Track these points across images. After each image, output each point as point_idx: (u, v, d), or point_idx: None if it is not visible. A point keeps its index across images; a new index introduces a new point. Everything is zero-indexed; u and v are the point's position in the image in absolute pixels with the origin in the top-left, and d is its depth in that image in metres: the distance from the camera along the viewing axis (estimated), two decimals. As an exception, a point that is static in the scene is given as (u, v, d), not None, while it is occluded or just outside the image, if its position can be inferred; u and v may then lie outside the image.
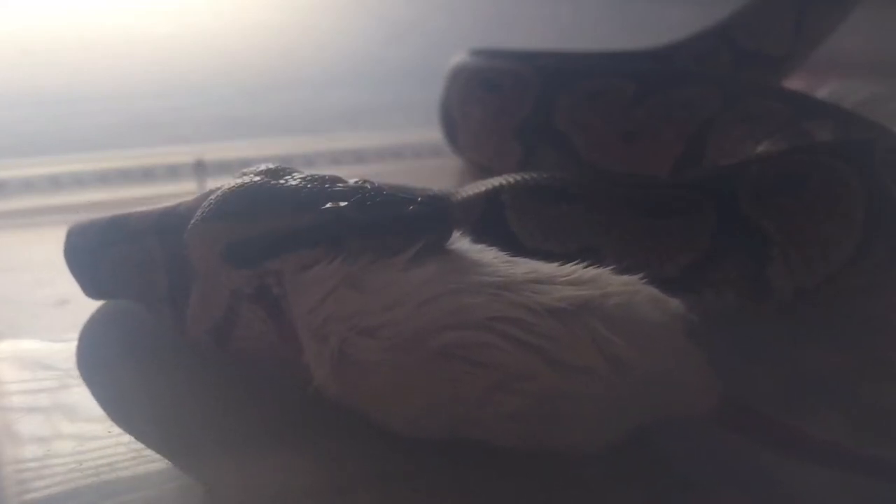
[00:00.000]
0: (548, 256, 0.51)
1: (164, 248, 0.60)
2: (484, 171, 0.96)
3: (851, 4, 1.16)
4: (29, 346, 0.68)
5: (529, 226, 0.63)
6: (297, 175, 0.56)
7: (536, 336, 0.45)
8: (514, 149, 0.99)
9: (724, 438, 0.48)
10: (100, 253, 0.66)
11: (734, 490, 0.48)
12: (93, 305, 0.69)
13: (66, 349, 0.66)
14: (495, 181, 0.67)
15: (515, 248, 0.53)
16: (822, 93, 1.27)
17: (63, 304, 0.72)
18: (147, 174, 1.07)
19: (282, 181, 0.55)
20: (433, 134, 1.12)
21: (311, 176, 0.55)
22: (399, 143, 1.20)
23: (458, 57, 1.09)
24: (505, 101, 1.00)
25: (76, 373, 0.62)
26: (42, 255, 0.84)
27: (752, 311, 0.63)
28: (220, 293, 0.54)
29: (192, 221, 0.55)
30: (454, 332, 0.46)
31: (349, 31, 2.18)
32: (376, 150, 1.18)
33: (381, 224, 0.51)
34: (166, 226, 0.59)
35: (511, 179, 0.66)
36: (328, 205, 0.51)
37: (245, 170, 0.59)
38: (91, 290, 0.69)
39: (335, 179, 0.54)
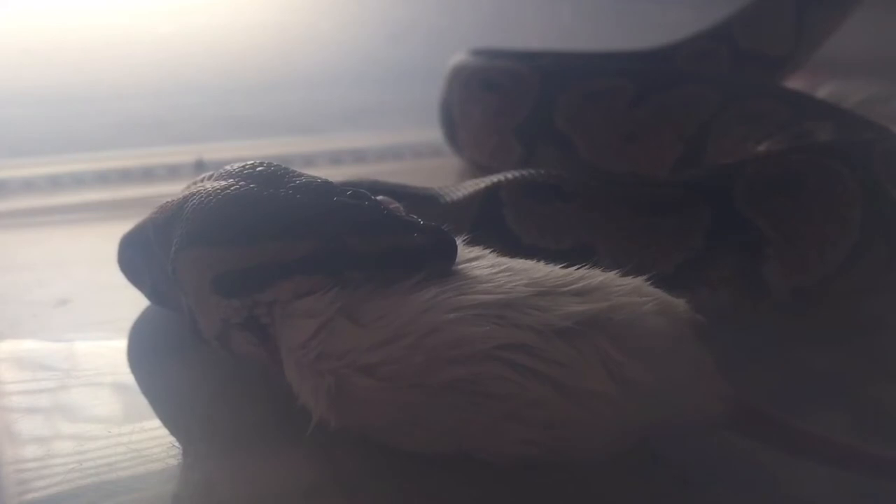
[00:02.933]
0: (544, 253, 0.51)
1: (162, 253, 0.57)
2: (484, 171, 0.96)
3: (852, 5, 1.16)
4: (29, 346, 0.68)
5: (526, 223, 0.63)
6: (288, 181, 0.52)
7: (545, 363, 0.43)
8: (514, 149, 0.99)
9: (723, 437, 0.48)
10: (147, 259, 0.63)
11: (733, 489, 0.48)
12: (94, 305, 0.69)
13: (66, 349, 0.66)
14: (493, 178, 0.67)
15: (512, 244, 0.53)
16: (822, 93, 1.27)
17: (63, 304, 0.72)
18: (147, 174, 1.07)
19: (273, 191, 0.51)
20: (433, 134, 1.12)
21: (306, 184, 0.52)
22: (399, 143, 1.20)
23: (458, 57, 1.09)
24: (505, 100, 1.00)
25: (77, 373, 0.62)
26: (42, 255, 0.85)
27: (748, 309, 0.63)
28: (212, 316, 0.52)
29: (179, 239, 0.52)
30: (459, 367, 0.44)
31: (349, 31, 2.18)
32: (376, 150, 1.18)
33: (383, 256, 0.48)
34: (158, 229, 0.57)
35: (509, 176, 0.66)
36: (326, 231, 0.48)
37: (229, 168, 0.56)
38: (152, 297, 0.67)
39: (331, 191, 0.51)
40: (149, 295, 0.67)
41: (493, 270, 0.48)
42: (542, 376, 0.43)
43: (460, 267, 0.49)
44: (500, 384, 0.44)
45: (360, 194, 0.51)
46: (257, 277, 0.49)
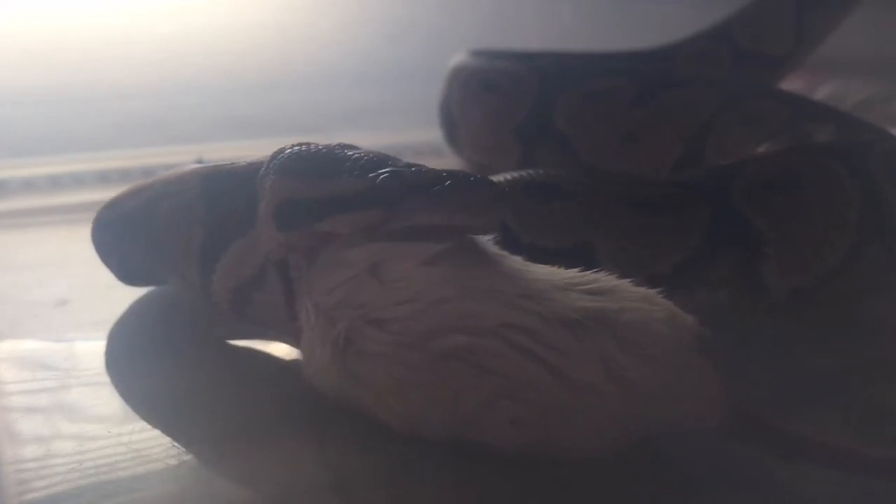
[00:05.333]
0: (543, 252, 0.51)
1: (206, 205, 0.61)
2: (484, 171, 0.96)
3: (852, 5, 1.16)
4: (29, 346, 0.68)
5: (525, 222, 0.63)
6: (361, 150, 0.57)
7: (545, 348, 0.45)
8: (513, 149, 0.99)
9: (726, 439, 0.48)
10: (136, 219, 0.66)
11: (735, 489, 0.48)
12: (94, 305, 0.69)
13: (66, 349, 0.66)
14: (493, 178, 0.67)
15: (512, 243, 0.53)
16: (822, 93, 1.27)
17: (63, 304, 0.72)
18: (147, 174, 1.06)
19: (340, 151, 0.55)
20: (433, 134, 1.12)
21: (374, 152, 0.56)
22: (399, 143, 1.20)
23: (458, 57, 1.10)
24: (504, 101, 1.00)
25: (77, 373, 0.62)
26: (42, 255, 0.85)
27: (748, 309, 0.63)
28: (257, 252, 0.56)
29: (262, 171, 0.56)
30: (463, 337, 0.46)
31: (349, 31, 2.18)
32: (376, 150, 1.18)
33: (433, 185, 0.50)
34: (213, 183, 0.61)
35: (508, 176, 0.66)
36: (387, 170, 0.52)
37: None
38: (123, 272, 0.70)
39: (396, 158, 0.55)
40: (120, 269, 0.69)
41: (512, 264, 0.50)
42: (540, 360, 0.45)
43: (484, 257, 0.51)
44: (498, 360, 0.45)
45: (415, 164, 0.54)
46: (317, 208, 0.53)
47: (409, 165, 0.53)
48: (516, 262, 0.51)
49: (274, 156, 0.56)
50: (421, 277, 0.48)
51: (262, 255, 0.56)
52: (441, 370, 0.46)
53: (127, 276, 0.70)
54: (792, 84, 1.20)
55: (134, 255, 0.68)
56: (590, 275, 0.49)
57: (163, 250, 0.65)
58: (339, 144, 0.57)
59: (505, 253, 0.52)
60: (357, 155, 0.55)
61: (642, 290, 0.49)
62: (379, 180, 0.51)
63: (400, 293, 0.48)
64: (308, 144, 0.57)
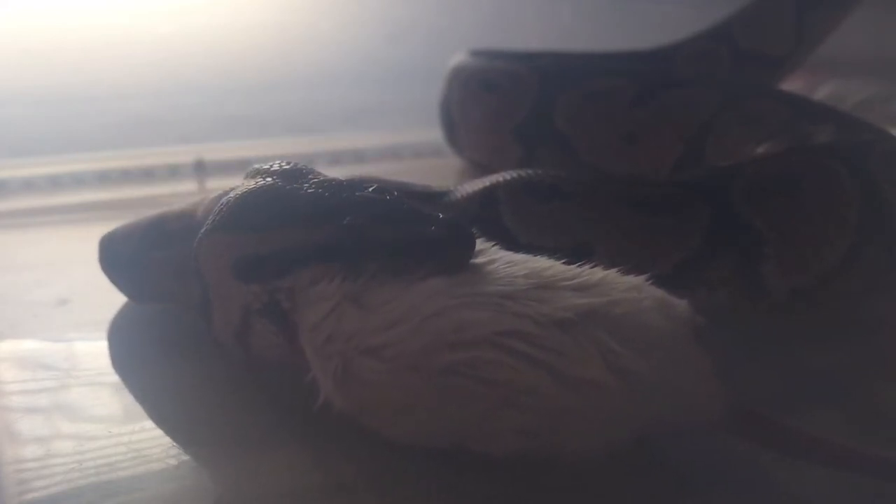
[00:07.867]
0: (542, 252, 0.51)
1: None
2: (484, 171, 0.96)
3: (852, 5, 1.16)
4: (29, 346, 0.68)
5: (524, 222, 0.63)
6: (312, 179, 0.53)
7: (542, 350, 0.44)
8: (513, 149, 0.99)
9: (723, 438, 0.48)
10: (141, 258, 0.64)
11: (732, 490, 0.48)
12: (94, 305, 0.69)
13: (66, 349, 0.66)
14: (492, 178, 0.67)
15: (510, 244, 0.53)
16: (822, 93, 1.27)
17: (63, 304, 0.72)
18: (147, 174, 1.07)
19: (296, 186, 0.52)
20: (433, 134, 1.12)
21: (328, 182, 0.53)
22: (399, 143, 1.20)
23: (458, 57, 1.10)
24: (504, 101, 1.00)
25: (77, 373, 0.62)
26: (42, 255, 0.85)
27: (747, 309, 0.63)
28: (232, 305, 0.53)
29: (202, 231, 0.54)
30: (459, 351, 0.45)
31: (349, 31, 2.18)
32: (376, 150, 1.18)
33: (398, 245, 0.48)
34: (193, 234, 0.57)
35: (507, 177, 0.66)
36: (346, 220, 0.49)
37: (258, 167, 0.57)
38: (137, 296, 0.68)
39: (353, 186, 0.52)
40: (134, 294, 0.68)
41: (496, 264, 0.49)
42: (538, 363, 0.44)
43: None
44: (497, 369, 0.44)
45: (384, 190, 0.52)
46: (276, 263, 0.50)
47: (361, 195, 0.50)
48: (493, 254, 0.50)
49: (218, 207, 0.53)
50: (408, 296, 0.47)
51: (239, 307, 0.52)
52: (440, 387, 0.45)
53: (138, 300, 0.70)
54: (792, 84, 1.20)
55: (139, 292, 0.68)
56: (574, 268, 0.49)
57: (162, 294, 0.64)
58: (288, 173, 0.54)
59: (480, 240, 0.51)
60: (310, 194, 0.51)
61: (630, 279, 0.48)
62: (336, 236, 0.49)
63: (388, 316, 0.46)
64: (255, 181, 0.54)
